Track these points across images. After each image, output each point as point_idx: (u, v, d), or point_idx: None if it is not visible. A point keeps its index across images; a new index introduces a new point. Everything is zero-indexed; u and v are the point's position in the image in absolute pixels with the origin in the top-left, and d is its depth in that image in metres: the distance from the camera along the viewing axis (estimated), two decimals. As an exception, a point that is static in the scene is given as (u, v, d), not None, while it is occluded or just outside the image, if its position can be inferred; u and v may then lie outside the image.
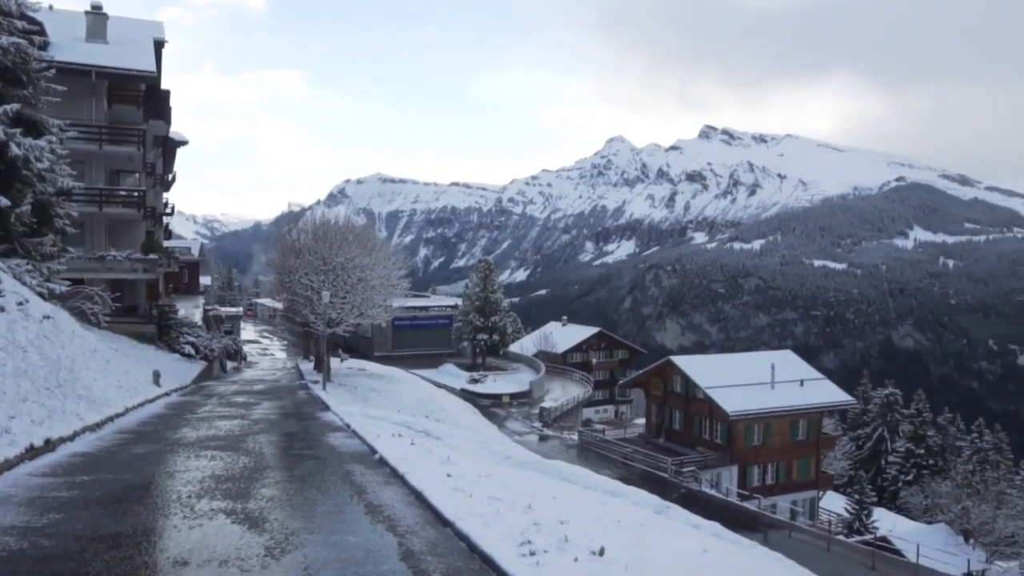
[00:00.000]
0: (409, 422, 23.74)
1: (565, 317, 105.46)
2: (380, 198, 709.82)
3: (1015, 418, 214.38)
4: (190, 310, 49.03)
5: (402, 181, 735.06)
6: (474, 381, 67.97)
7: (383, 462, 13.55)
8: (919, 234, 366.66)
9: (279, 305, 52.83)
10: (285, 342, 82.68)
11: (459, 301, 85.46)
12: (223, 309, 74.76)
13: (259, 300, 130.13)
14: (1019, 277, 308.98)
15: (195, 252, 66.66)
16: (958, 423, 79.85)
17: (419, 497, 10.34)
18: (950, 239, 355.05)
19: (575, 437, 55.29)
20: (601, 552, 7.28)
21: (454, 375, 69.60)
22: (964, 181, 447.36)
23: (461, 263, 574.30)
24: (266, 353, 69.95)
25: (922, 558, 36.59)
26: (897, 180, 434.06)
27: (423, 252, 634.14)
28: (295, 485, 11.58)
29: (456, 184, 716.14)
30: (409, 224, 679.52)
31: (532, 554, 7.29)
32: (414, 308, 79.33)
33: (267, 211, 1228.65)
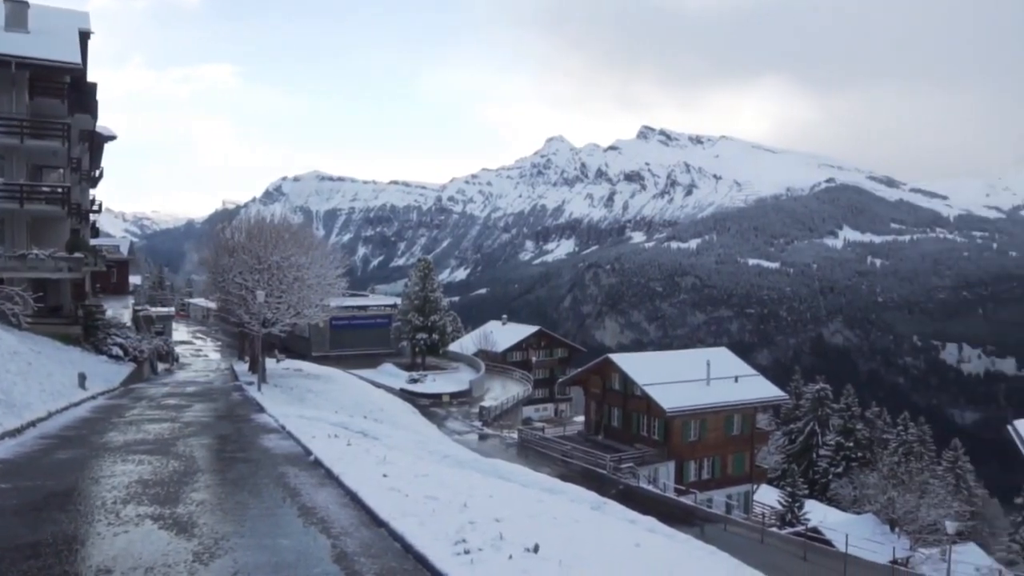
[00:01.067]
0: (346, 423, 23.46)
1: (505, 316, 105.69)
2: (318, 196, 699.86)
3: (938, 411, 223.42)
4: (119, 310, 47.51)
5: (340, 179, 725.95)
6: (413, 381, 67.59)
7: (318, 463, 13.35)
8: (848, 234, 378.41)
9: (213, 305, 51.55)
10: (219, 343, 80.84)
11: (398, 300, 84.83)
12: (154, 309, 72.66)
13: (192, 300, 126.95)
14: (941, 275, 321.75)
15: (124, 251, 64.74)
16: (885, 417, 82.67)
17: (354, 498, 10.22)
18: (877, 239, 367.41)
19: (515, 435, 55.39)
20: (536, 549, 7.30)
21: (393, 375, 69.08)
22: (890, 183, 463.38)
23: (401, 262, 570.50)
24: (199, 354, 68.31)
25: (851, 547, 37.67)
26: (827, 181, 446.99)
27: (362, 251, 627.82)
28: (226, 488, 11.33)
29: (395, 182, 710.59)
30: (348, 223, 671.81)
31: (467, 552, 7.27)
32: (352, 307, 78.52)
33: (200, 209, 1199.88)
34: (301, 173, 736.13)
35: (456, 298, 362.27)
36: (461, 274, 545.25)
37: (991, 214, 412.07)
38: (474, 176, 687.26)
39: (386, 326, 79.63)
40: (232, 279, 37.45)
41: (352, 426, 22.69)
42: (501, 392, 71.21)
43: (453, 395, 65.31)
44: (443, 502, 9.56)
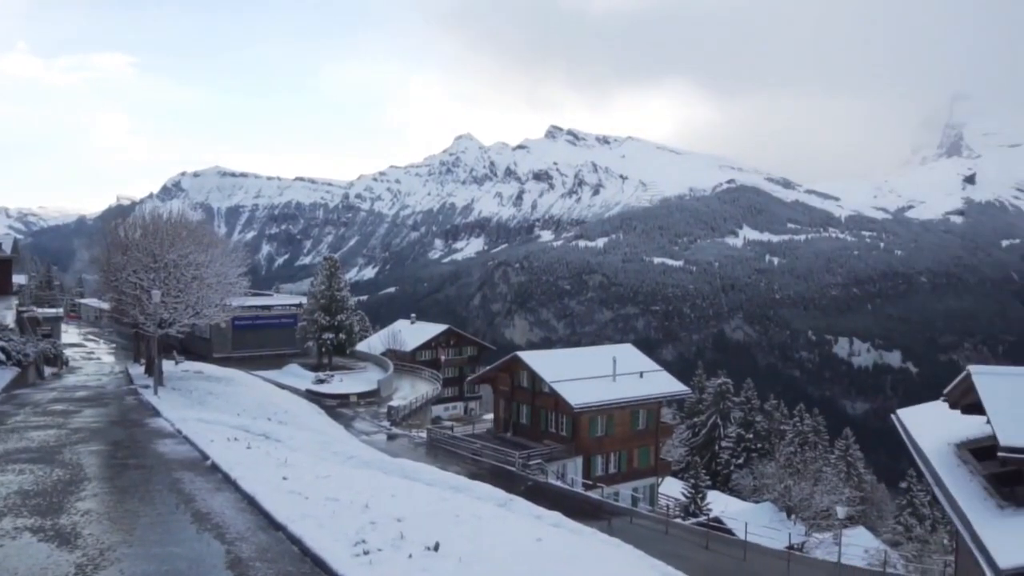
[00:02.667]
0: (248, 425, 22.81)
1: (414, 315, 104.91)
2: (219, 192, 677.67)
3: (831, 403, 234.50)
4: (1, 312, 44.82)
5: (243, 175, 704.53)
6: (320, 381, 66.31)
7: (215, 468, 12.91)
8: (748, 233, 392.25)
9: (106, 306, 49.19)
10: (113, 345, 77.32)
11: (304, 300, 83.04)
12: (40, 310, 68.89)
13: (83, 300, 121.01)
14: (833, 273, 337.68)
15: (7, 248, 60.93)
16: (782, 409, 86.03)
17: (252, 502, 9.92)
18: (775, 238, 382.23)
19: (424, 435, 55.04)
20: (436, 547, 7.26)
21: (299, 376, 67.62)
22: (787, 184, 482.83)
23: (307, 260, 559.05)
24: (91, 357, 65.14)
25: (750, 535, 39.05)
26: (728, 183, 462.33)
27: (266, 249, 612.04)
28: (116, 497, 10.81)
29: (301, 179, 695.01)
30: (251, 220, 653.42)
31: (366, 553, 7.15)
32: (256, 307, 76.42)
33: (93, 205, 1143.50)
34: (201, 168, 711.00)
35: (364, 297, 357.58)
36: (369, 273, 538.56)
37: (879, 215, 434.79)
38: (382, 173, 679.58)
39: (291, 326, 77.81)
40: (126, 278, 35.85)
41: (254, 429, 22.08)
42: (410, 391, 70.61)
43: (361, 395, 64.36)
44: (344, 503, 9.40)
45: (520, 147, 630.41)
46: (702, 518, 48.40)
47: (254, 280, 50.78)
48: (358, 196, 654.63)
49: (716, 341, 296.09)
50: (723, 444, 75.54)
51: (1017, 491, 14.95)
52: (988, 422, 14.07)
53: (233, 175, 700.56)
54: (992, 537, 12.67)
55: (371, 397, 64.73)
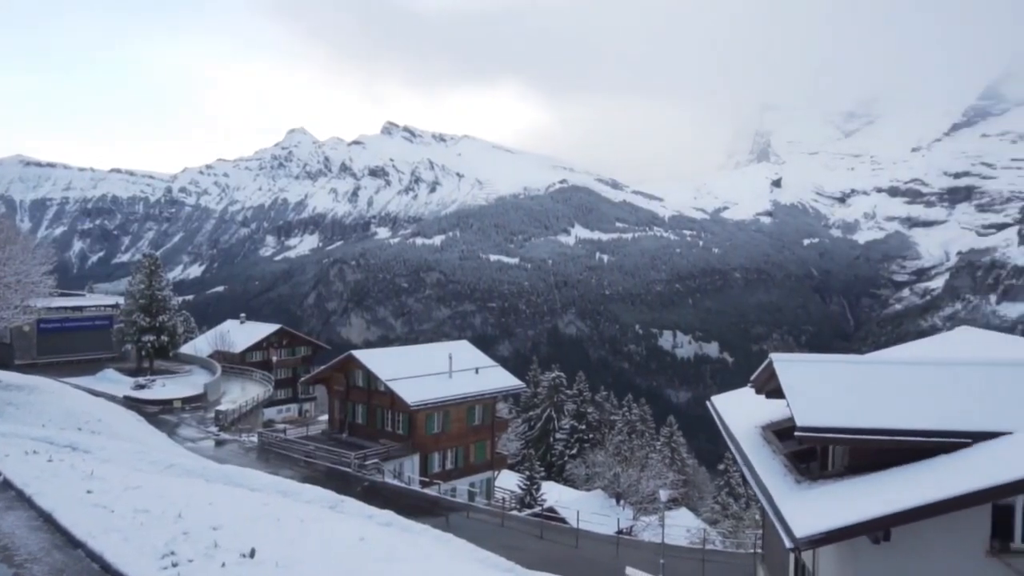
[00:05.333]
0: (52, 437, 21.00)
1: (243, 315, 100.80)
2: (22, 184, 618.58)
3: (657, 392, 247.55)
4: None
5: (51, 165, 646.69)
6: (140, 387, 62.67)
7: (7, 485, 11.74)
8: (579, 231, 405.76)
9: None
10: None
11: (121, 300, 77.61)
12: None
13: None
14: (658, 270, 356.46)
15: None
16: (612, 400, 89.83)
17: (48, 519, 9.09)
18: (604, 236, 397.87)
19: (255, 439, 53.05)
20: (252, 554, 6.96)
21: (116, 381, 63.47)
22: (615, 185, 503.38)
23: (125, 258, 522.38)
24: None
25: (582, 522, 40.51)
26: (561, 182, 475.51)
27: (78, 245, 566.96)
28: None
29: (118, 171, 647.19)
30: (60, 214, 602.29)
31: (175, 565, 6.73)
32: (65, 309, 70.94)
33: None
34: (1, 157, 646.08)
35: (190, 297, 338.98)
36: (195, 271, 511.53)
37: (698, 215, 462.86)
38: (209, 167, 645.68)
39: (107, 328, 72.70)
40: (-97, 278, 32.02)
41: (59, 440, 20.36)
42: (240, 394, 67.99)
43: (186, 400, 61.42)
44: (155, 514, 8.82)
45: (356, 143, 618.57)
46: (537, 509, 49.59)
47: (63, 279, 46.92)
48: (182, 190, 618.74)
49: (550, 336, 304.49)
50: (557, 436, 77.72)
51: (812, 467, 16.40)
52: (788, 405, 15.32)
53: (39, 165, 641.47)
54: (790, 509, 13.82)
55: (197, 402, 62.08)
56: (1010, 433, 13.85)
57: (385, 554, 7.42)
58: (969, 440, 13.94)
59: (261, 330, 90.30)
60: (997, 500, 12.68)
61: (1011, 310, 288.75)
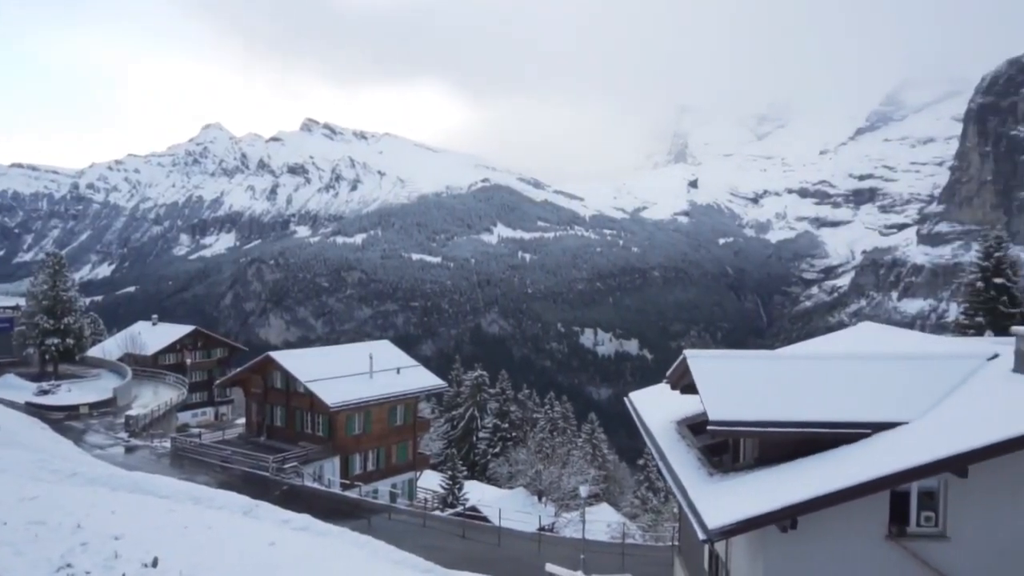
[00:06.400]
0: (-57, 447, 19.81)
1: (155, 316, 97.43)
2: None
3: (579, 389, 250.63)
4: None
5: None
6: (43, 392, 60.10)
7: None
8: (502, 230, 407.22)
9: None
10: None
11: (22, 301, 73.86)
12: None
13: None
14: (579, 268, 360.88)
15: None
16: (535, 398, 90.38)
17: (-66, 534, 8.57)
18: (527, 235, 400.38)
19: (168, 444, 51.34)
20: (154, 563, 6.72)
21: (16, 387, 60.72)
22: (537, 184, 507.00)
23: (27, 257, 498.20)
24: None
25: (504, 521, 40.60)
26: (483, 181, 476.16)
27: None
28: None
29: (19, 165, 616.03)
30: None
31: (71, 579, 6.45)
32: (-41, 311, 66.91)
33: None
34: None
35: (99, 297, 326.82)
36: (104, 271, 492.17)
37: (618, 215, 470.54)
38: (119, 162, 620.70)
39: (7, 331, 69.21)
40: None
41: (-51, 450, 19.22)
42: (152, 398, 65.83)
43: (93, 405, 59.20)
44: (52, 526, 8.41)
45: (274, 139, 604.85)
46: (459, 508, 49.55)
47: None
48: (90, 187, 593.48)
49: (473, 335, 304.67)
50: (480, 435, 77.75)
51: (725, 459, 16.87)
52: (701, 400, 15.72)
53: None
54: (703, 502, 14.19)
55: (106, 407, 59.95)
56: (906, 423, 14.55)
57: (296, 558, 7.28)
58: (869, 430, 14.58)
59: (175, 331, 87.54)
60: (895, 487, 13.30)
61: (910, 306, 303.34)
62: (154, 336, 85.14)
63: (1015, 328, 15.80)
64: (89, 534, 8.02)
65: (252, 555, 7.40)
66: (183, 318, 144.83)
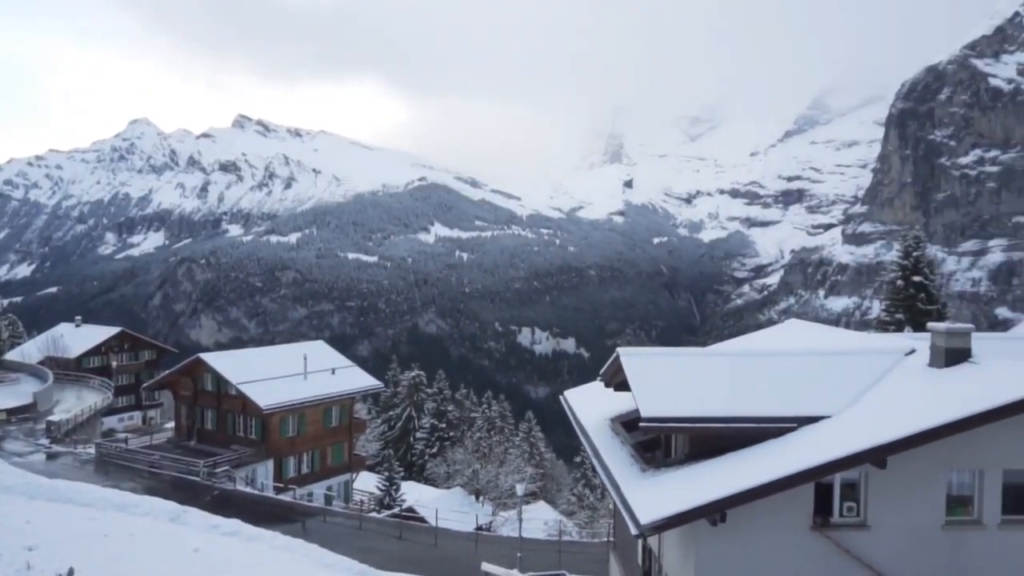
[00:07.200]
0: None
1: (79, 317, 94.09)
2: None
3: (517, 388, 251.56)
4: None
5: None
6: (-44, 398, 57.13)
7: None
8: (439, 230, 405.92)
9: None
10: None
11: (-67, 303, 70.67)
12: None
13: None
14: (517, 268, 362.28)
15: None
16: (472, 397, 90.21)
17: None
18: (464, 234, 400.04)
19: (93, 450, 49.64)
20: (69, 574, 6.50)
21: (-74, 393, 57.59)
22: (474, 184, 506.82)
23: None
24: None
25: (441, 521, 40.47)
26: (420, 180, 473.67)
27: None
28: None
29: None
30: None
31: (-20, 592, 6.19)
32: None
33: None
34: None
35: (18, 298, 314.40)
36: (24, 270, 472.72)
37: (555, 214, 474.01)
38: (40, 158, 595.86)
39: (-85, 335, 65.81)
40: None
41: None
42: (76, 403, 63.63)
43: (12, 411, 57.15)
44: (-39, 538, 8.06)
45: (205, 135, 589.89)
46: (396, 509, 49.20)
47: None
48: (8, 183, 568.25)
49: (411, 335, 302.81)
50: (417, 435, 77.31)
51: (657, 455, 17.14)
52: (633, 397, 15.94)
53: None
54: (635, 497, 14.39)
55: (26, 412, 57.91)
56: (829, 417, 15.03)
57: (221, 565, 7.12)
58: (795, 424, 15.02)
59: (100, 333, 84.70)
60: (819, 479, 13.72)
61: (836, 304, 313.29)
62: (78, 338, 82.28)
63: (931, 324, 16.49)
64: (1, 546, 7.71)
65: (174, 562, 7.20)
66: (109, 319, 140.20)
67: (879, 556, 13.93)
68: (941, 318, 36.52)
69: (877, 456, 13.38)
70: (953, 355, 15.49)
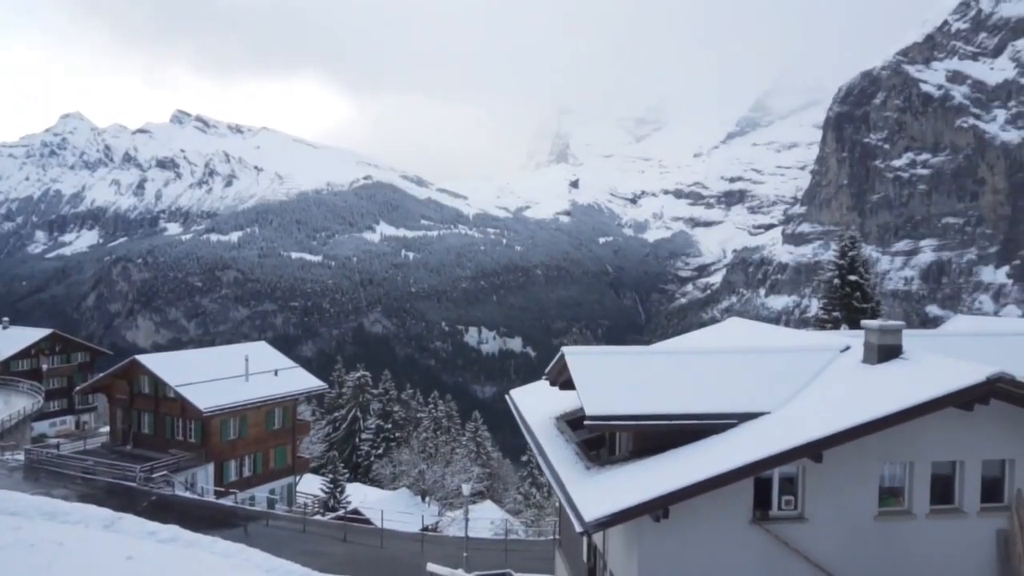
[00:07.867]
0: None
1: (6, 319, 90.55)
2: None
3: (463, 388, 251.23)
4: None
5: None
6: None
7: None
8: (384, 229, 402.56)
9: None
10: None
11: None
12: None
13: None
14: (463, 267, 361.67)
15: None
16: (419, 397, 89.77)
17: None
18: (410, 233, 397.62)
19: (21, 457, 47.94)
20: (-7, 586, 6.23)
21: None
22: (420, 182, 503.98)
23: None
24: None
25: (387, 522, 40.20)
26: (365, 178, 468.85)
27: None
28: None
29: None
30: None
31: None
32: None
33: None
34: None
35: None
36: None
37: (501, 214, 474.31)
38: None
39: None
40: None
41: None
42: (3, 408, 61.36)
43: (-66, 417, 54.31)
44: None
45: (141, 131, 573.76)
46: (341, 511, 48.69)
47: None
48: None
49: (356, 335, 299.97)
50: (363, 436, 76.61)
51: (601, 453, 17.28)
52: (578, 396, 16.03)
53: None
54: (579, 495, 14.48)
55: (-52, 418, 54.99)
56: (768, 413, 15.34)
57: (155, 573, 6.90)
58: (735, 421, 15.28)
59: (28, 335, 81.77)
60: (758, 474, 13.99)
61: (776, 302, 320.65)
62: (5, 340, 79.25)
63: (864, 322, 16.97)
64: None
65: (106, 571, 6.96)
66: (39, 321, 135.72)
67: (816, 547, 14.27)
68: (875, 316, 37.65)
69: (813, 451, 13.71)
70: (885, 352, 15.96)
